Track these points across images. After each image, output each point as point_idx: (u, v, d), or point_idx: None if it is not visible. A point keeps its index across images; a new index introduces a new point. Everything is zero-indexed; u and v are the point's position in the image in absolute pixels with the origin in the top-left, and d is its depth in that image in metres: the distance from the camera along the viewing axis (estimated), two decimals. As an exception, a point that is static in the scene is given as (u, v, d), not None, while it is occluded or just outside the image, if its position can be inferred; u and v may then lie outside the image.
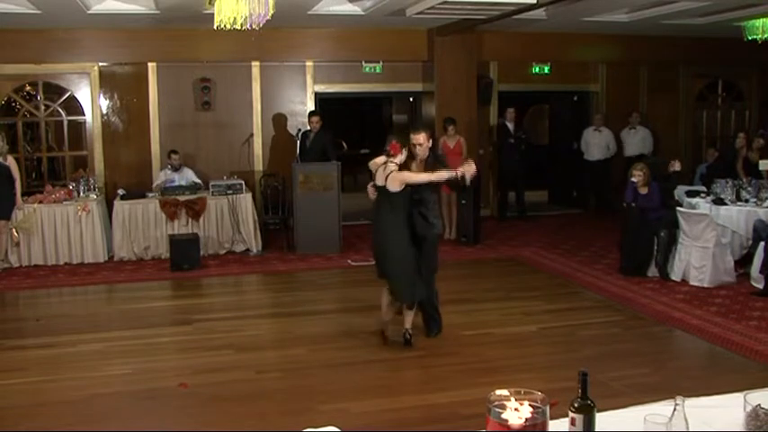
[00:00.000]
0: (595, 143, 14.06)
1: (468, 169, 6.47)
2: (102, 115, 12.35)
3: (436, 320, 7.09)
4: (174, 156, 11.51)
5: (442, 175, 6.49)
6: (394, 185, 6.40)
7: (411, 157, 6.64)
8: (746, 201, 9.58)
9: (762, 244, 8.62)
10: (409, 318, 6.76)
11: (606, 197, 14.24)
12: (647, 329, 7.37)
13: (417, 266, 6.61)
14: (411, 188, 6.52)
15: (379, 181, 6.52)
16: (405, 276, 6.53)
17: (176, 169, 11.50)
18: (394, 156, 6.49)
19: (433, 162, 6.75)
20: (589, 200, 14.69)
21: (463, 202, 11.41)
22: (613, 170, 14.11)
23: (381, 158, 6.62)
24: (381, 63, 13.24)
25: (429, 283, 6.88)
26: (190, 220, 10.86)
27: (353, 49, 12.94)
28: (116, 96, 12.36)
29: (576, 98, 15.17)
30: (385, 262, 6.61)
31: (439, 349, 6.75)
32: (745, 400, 2.83)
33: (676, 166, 9.51)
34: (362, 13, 11.27)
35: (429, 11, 10.61)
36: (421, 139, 6.60)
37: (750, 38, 11.10)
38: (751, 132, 12.27)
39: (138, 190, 11.42)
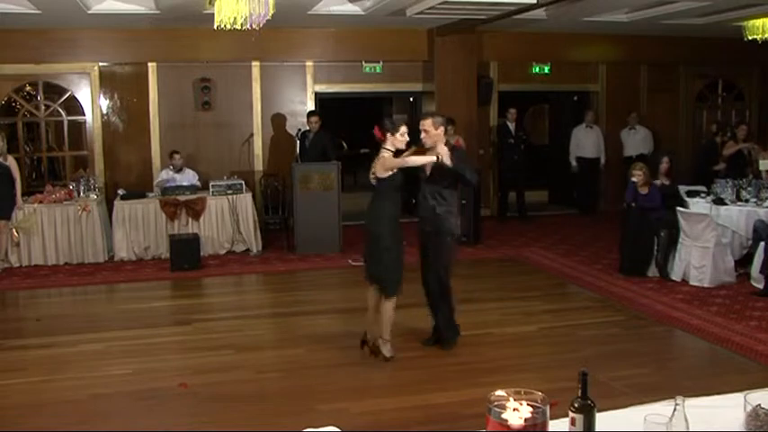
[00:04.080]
0: (587, 141, 14.04)
1: (441, 151, 6.27)
2: (103, 115, 12.35)
3: (453, 328, 6.81)
4: (176, 156, 11.49)
5: (417, 160, 6.37)
6: (379, 170, 6.25)
7: (422, 147, 6.54)
8: (747, 201, 9.60)
9: (762, 244, 8.62)
10: (386, 324, 6.43)
11: (591, 197, 14.32)
12: (648, 329, 7.37)
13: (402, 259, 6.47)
14: (403, 176, 6.36)
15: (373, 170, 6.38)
16: (392, 266, 6.33)
17: (178, 170, 11.49)
18: (382, 141, 6.34)
19: (456, 159, 6.41)
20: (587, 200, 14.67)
21: (463, 201, 11.38)
22: (608, 170, 14.17)
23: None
24: (381, 63, 13.25)
25: (437, 280, 6.73)
26: (190, 220, 10.86)
27: (353, 49, 12.95)
28: (116, 96, 12.37)
29: (576, 98, 15.18)
30: (371, 251, 6.42)
31: (439, 349, 6.75)
32: (745, 400, 2.83)
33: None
34: (363, 12, 11.27)
35: (429, 11, 10.61)
36: (426, 126, 6.42)
37: (750, 38, 11.10)
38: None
39: (138, 190, 11.42)
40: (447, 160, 6.24)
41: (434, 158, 6.27)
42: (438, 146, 6.36)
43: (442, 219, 6.60)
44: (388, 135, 6.27)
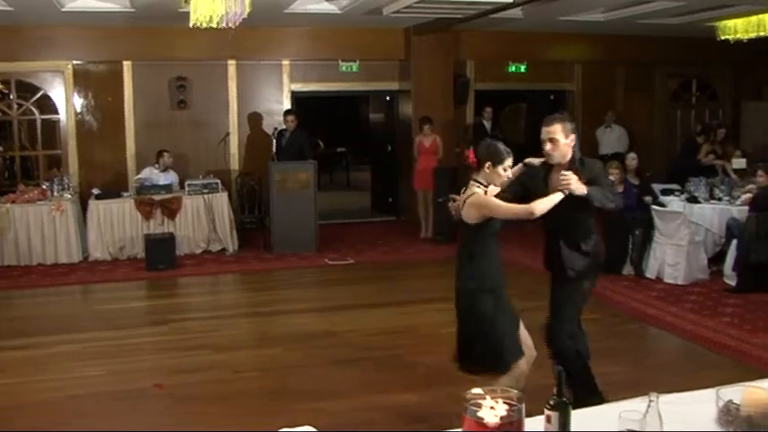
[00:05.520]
0: None
1: (571, 184, 4.51)
2: (77, 114, 12.25)
3: (590, 387, 5.02)
4: (165, 155, 11.38)
5: (541, 204, 4.49)
6: (471, 214, 4.49)
7: (546, 166, 4.89)
8: (720, 199, 9.71)
9: (734, 241, 8.75)
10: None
11: None
12: (623, 327, 7.43)
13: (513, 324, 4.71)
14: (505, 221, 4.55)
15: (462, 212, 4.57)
16: (498, 339, 4.56)
17: (163, 170, 11.40)
18: (473, 169, 4.57)
19: (581, 177, 4.62)
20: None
21: (440, 200, 11.43)
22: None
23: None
24: (358, 62, 13.23)
25: (560, 336, 5.05)
26: (165, 219, 10.80)
27: (330, 48, 12.92)
28: (90, 95, 12.27)
29: (552, 97, 15.24)
30: (467, 327, 4.67)
31: (417, 348, 6.76)
32: (717, 395, 2.87)
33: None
34: (339, 11, 11.26)
35: (406, 10, 10.62)
36: (554, 133, 4.73)
37: (723, 38, 11.22)
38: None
39: (113, 189, 11.34)
40: (580, 189, 4.55)
41: (560, 195, 4.53)
42: (560, 175, 4.58)
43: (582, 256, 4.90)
44: (487, 164, 4.49)
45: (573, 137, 4.77)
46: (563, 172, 4.56)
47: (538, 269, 5.24)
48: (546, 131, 4.75)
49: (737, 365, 6.22)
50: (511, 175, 4.60)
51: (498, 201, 4.46)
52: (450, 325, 7.19)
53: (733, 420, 2.79)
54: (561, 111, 13.80)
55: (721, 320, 7.44)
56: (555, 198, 4.51)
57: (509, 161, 4.49)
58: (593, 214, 4.81)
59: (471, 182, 4.54)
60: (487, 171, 4.47)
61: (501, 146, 4.54)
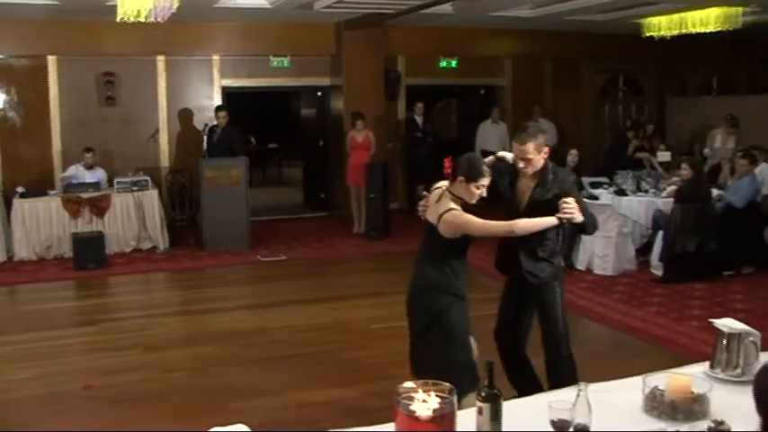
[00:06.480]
0: (492, 136, 14.24)
1: (567, 213, 4.42)
2: (-1, 110, 11.94)
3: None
4: (86, 155, 11.15)
5: (530, 226, 4.43)
6: (444, 230, 4.35)
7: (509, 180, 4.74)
8: (646, 191, 9.98)
9: (660, 233, 8.99)
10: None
11: None
12: (553, 319, 7.54)
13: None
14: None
15: (431, 215, 4.48)
16: (460, 362, 4.40)
17: (89, 167, 11.17)
18: (451, 180, 4.43)
19: (553, 188, 4.60)
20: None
21: (372, 195, 11.47)
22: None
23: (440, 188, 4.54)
24: (289, 57, 13.16)
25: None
26: (94, 217, 10.59)
27: (261, 43, 12.82)
28: (13, 91, 11.93)
29: (482, 92, 15.38)
30: (419, 339, 4.55)
31: (349, 343, 6.78)
32: (644, 383, 2.95)
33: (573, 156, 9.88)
34: (270, 6, 11.17)
35: (336, 5, 10.61)
36: (528, 152, 4.53)
37: (648, 35, 11.49)
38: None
39: (38, 188, 11.07)
40: (577, 217, 4.47)
41: (554, 221, 4.46)
42: (563, 202, 4.42)
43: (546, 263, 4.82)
44: (461, 178, 4.34)
45: (546, 149, 4.62)
46: (566, 200, 4.39)
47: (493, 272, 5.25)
48: (519, 150, 4.56)
49: (665, 353, 6.39)
50: (484, 194, 4.36)
51: (476, 219, 4.28)
52: (381, 320, 7.27)
53: (658, 406, 2.88)
54: (499, 111, 14.07)
55: (649, 310, 7.66)
56: (545, 222, 4.43)
57: (484, 181, 4.32)
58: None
59: (446, 192, 4.40)
60: (459, 184, 4.34)
61: (482, 165, 4.40)
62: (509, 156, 4.78)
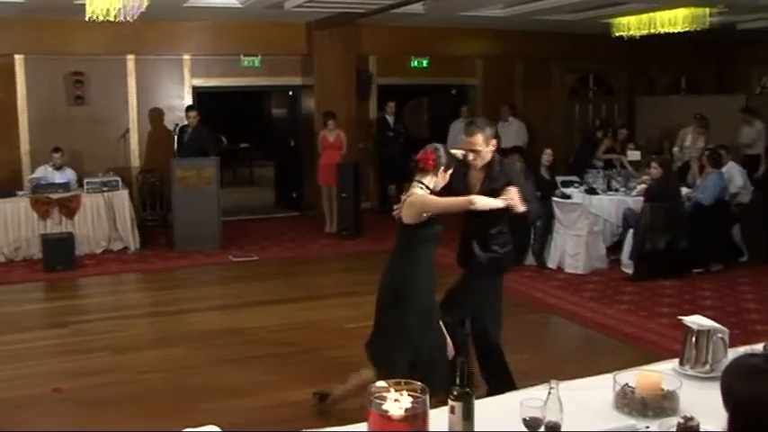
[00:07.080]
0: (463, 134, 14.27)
1: (512, 200, 4.54)
2: (-34, 110, 11.78)
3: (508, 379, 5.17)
4: (55, 155, 11.00)
5: (487, 202, 4.54)
6: (407, 213, 4.51)
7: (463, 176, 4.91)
8: (617, 190, 10.06)
9: (631, 231, 9.07)
10: (351, 383, 5.04)
11: None
12: (525, 316, 7.59)
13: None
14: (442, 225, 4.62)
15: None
16: (396, 344, 4.70)
17: (58, 168, 11.04)
18: (423, 171, 4.56)
19: (501, 179, 4.81)
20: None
21: (344, 195, 11.47)
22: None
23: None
24: (260, 57, 13.10)
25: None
26: (63, 218, 10.48)
27: (232, 43, 12.76)
28: (-20, 90, 11.80)
29: (454, 92, 15.43)
30: (381, 317, 4.85)
31: (325, 343, 6.77)
32: (614, 380, 2.98)
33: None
34: (240, 5, 11.12)
35: (307, 4, 10.59)
36: (477, 143, 4.79)
37: (617, 34, 11.58)
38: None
39: (6, 188, 10.93)
40: (519, 206, 4.59)
41: (500, 204, 4.55)
42: (506, 191, 4.58)
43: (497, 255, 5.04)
44: (442, 168, 4.55)
45: (494, 142, 4.84)
46: (509, 189, 4.57)
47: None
48: (468, 142, 4.82)
49: (635, 350, 6.45)
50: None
51: (435, 197, 4.50)
52: (354, 320, 7.27)
53: (629, 403, 2.91)
54: (468, 110, 14.11)
55: (619, 308, 7.73)
56: (497, 203, 4.54)
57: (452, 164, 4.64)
58: (506, 218, 4.88)
59: (415, 182, 4.55)
60: (439, 175, 4.53)
61: (447, 151, 4.64)
62: (459, 153, 4.95)
